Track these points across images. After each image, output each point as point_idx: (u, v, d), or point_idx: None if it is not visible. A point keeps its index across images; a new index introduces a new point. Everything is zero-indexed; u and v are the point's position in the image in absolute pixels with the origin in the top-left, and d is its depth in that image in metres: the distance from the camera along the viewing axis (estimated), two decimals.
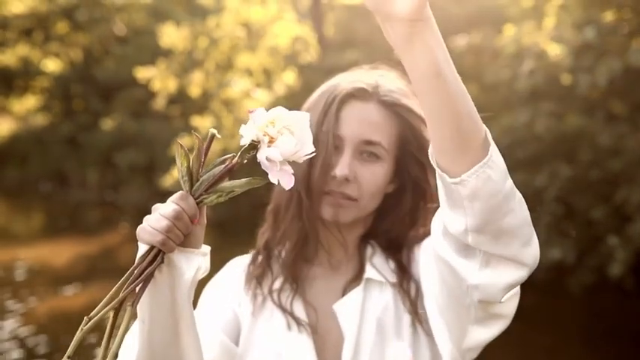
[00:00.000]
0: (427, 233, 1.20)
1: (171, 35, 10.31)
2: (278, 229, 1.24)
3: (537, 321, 6.40)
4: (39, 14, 16.20)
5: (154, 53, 12.70)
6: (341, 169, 1.15)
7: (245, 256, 1.31)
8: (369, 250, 1.23)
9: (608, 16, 6.28)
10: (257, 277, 1.23)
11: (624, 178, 6.05)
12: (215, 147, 9.72)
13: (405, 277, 1.19)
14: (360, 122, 1.17)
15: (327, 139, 1.15)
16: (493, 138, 0.95)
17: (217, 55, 10.00)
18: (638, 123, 6.60)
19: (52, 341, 5.77)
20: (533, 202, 6.74)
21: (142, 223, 0.93)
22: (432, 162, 0.93)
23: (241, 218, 8.99)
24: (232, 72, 9.96)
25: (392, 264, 1.21)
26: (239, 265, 1.30)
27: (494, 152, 0.92)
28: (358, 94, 1.20)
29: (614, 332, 5.95)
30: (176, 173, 9.01)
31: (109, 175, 14.68)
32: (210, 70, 10.12)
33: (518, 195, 0.95)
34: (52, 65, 16.72)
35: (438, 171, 0.92)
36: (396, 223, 1.24)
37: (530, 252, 0.95)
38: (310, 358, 1.14)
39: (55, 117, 16.67)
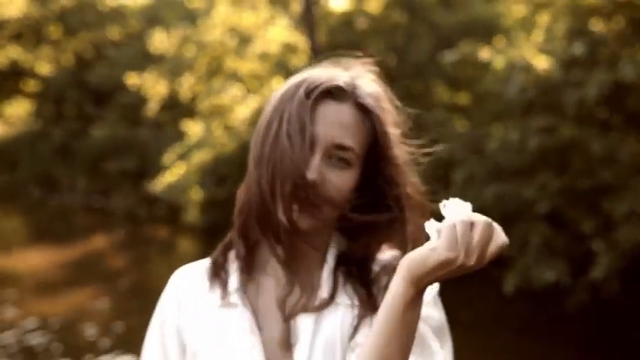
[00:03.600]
0: (395, 258, 1.13)
1: (161, 41, 10.27)
2: (238, 232, 1.17)
3: (532, 332, 6.35)
4: (31, 18, 16.15)
5: (147, 58, 12.66)
6: (310, 172, 1.06)
7: (185, 268, 1.22)
8: (327, 266, 1.14)
9: (598, 26, 6.27)
10: (215, 277, 1.17)
11: (614, 187, 6.03)
12: (206, 154, 9.66)
13: (361, 301, 1.12)
14: (334, 124, 1.08)
15: (299, 138, 1.06)
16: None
17: (206, 61, 9.96)
18: (629, 132, 6.59)
19: (39, 344, 5.70)
20: (522, 215, 6.70)
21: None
22: None
23: (232, 224, 8.91)
24: (222, 77, 9.92)
25: (351, 284, 1.13)
26: (184, 277, 1.21)
27: None
28: (335, 93, 1.10)
29: (608, 345, 5.91)
30: (165, 178, 8.91)
31: (98, 181, 14.60)
32: (200, 74, 10.08)
33: None
34: (43, 69, 16.66)
35: None
36: (360, 237, 1.15)
37: None
38: None
39: (46, 122, 16.59)
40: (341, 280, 1.13)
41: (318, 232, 1.12)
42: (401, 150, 1.14)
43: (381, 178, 1.12)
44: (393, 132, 1.13)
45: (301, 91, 1.09)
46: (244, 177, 1.14)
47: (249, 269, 1.16)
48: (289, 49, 9.47)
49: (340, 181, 1.08)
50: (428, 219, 1.07)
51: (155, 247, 10.87)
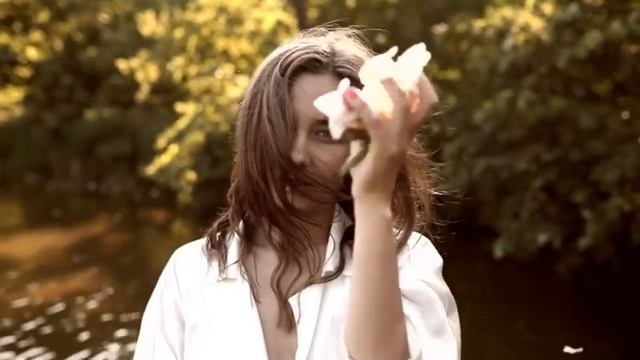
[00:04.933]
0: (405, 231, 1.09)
1: (151, 23, 10.22)
2: (235, 213, 1.13)
3: (523, 300, 6.44)
4: (18, 2, 16.00)
5: (139, 41, 12.60)
6: (296, 153, 1.02)
7: (185, 246, 1.19)
8: (332, 241, 1.10)
9: None
10: (213, 252, 1.13)
11: (604, 157, 6.07)
12: (199, 136, 9.67)
13: None
14: (314, 98, 0.96)
15: (281, 120, 1.02)
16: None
17: (196, 42, 9.91)
18: (618, 103, 6.63)
19: (34, 332, 5.74)
20: (517, 186, 6.77)
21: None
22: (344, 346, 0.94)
23: (226, 205, 8.94)
24: (212, 58, 9.88)
25: None
26: (183, 254, 1.18)
27: None
28: (310, 67, 1.04)
29: (598, 312, 6.00)
30: (159, 161, 8.89)
31: (92, 166, 14.59)
32: (191, 55, 10.04)
33: None
34: (34, 54, 16.54)
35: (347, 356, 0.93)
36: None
37: None
38: (259, 349, 1.06)
39: (38, 108, 16.51)
40: (348, 253, 1.09)
41: (318, 209, 1.07)
42: None
43: None
44: None
45: (277, 69, 1.04)
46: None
47: (248, 244, 1.13)
48: (279, 27, 9.44)
49: (330, 156, 1.03)
50: (428, 183, 1.08)
51: (151, 230, 10.91)
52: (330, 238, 1.10)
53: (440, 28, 7.56)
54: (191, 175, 9.83)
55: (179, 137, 9.73)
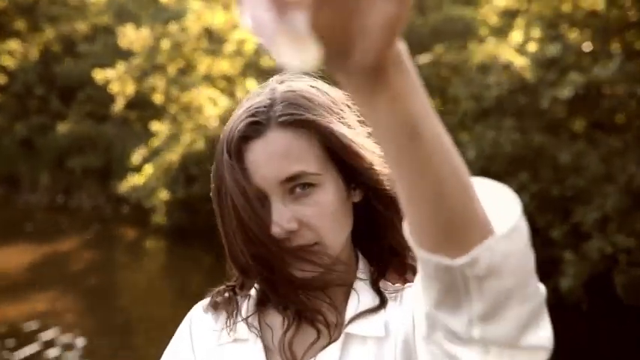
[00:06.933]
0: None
1: (130, 36, 10.08)
2: (241, 274, 1.04)
3: None
4: None
5: (117, 54, 12.42)
6: (276, 224, 0.94)
7: (204, 300, 1.13)
8: (355, 298, 1.00)
9: (572, 34, 6.34)
10: (222, 308, 1.07)
11: (583, 196, 6.09)
12: (174, 155, 9.51)
13: (391, 328, 0.98)
14: (269, 162, 0.94)
15: (246, 204, 0.95)
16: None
17: (179, 59, 9.80)
18: (596, 141, 6.67)
19: (4, 346, 5.53)
20: None
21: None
22: (410, 243, 0.69)
23: (199, 224, 8.79)
24: (193, 77, 9.78)
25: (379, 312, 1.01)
26: (199, 310, 1.12)
27: (518, 221, 0.68)
28: (251, 133, 0.96)
29: (566, 350, 5.95)
30: (132, 180, 8.77)
31: (62, 179, 14.30)
32: (172, 74, 9.92)
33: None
34: (9, 62, 16.25)
35: (422, 254, 0.68)
36: (377, 238, 1.03)
37: (544, 334, 0.75)
38: None
39: (9, 117, 16.19)
40: (369, 314, 1.00)
41: (332, 269, 0.97)
42: (354, 132, 0.99)
43: (354, 172, 0.98)
44: (338, 122, 0.98)
45: (225, 153, 0.97)
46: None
47: (261, 302, 1.06)
48: (262, 47, 9.37)
49: (315, 205, 0.95)
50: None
51: (122, 248, 10.67)
52: (353, 294, 1.01)
53: (424, 58, 7.57)
54: (164, 195, 9.66)
55: (154, 155, 9.56)
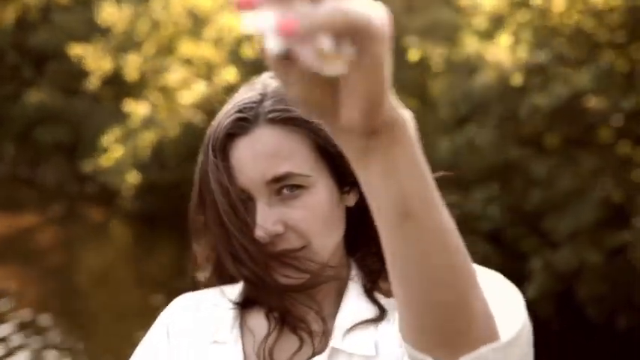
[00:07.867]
0: None
1: (111, 13, 9.86)
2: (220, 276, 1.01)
3: None
4: None
5: (94, 27, 12.15)
6: (260, 227, 0.88)
7: (188, 294, 1.06)
8: (346, 308, 0.95)
9: (558, 45, 6.35)
10: (208, 310, 1.01)
11: (555, 209, 6.12)
12: (148, 137, 9.32)
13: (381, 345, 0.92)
14: (254, 161, 0.89)
15: (229, 208, 0.89)
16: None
17: (158, 39, 9.60)
18: (570, 156, 6.70)
19: None
20: (464, 229, 6.71)
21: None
22: (402, 341, 0.68)
23: (168, 209, 8.64)
24: (172, 59, 9.59)
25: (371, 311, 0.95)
26: (180, 305, 1.05)
27: (521, 330, 0.69)
28: (238, 130, 0.90)
29: None
30: (103, 160, 8.62)
31: (27, 151, 13.97)
32: (149, 54, 9.71)
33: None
34: None
35: (410, 352, 0.66)
36: (371, 244, 0.96)
37: None
38: None
39: None
40: (359, 330, 0.93)
41: (319, 276, 0.92)
42: None
43: (347, 175, 0.92)
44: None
45: (210, 150, 0.92)
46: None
47: (245, 304, 0.99)
48: (245, 36, 9.23)
49: (304, 208, 0.89)
50: None
51: (86, 228, 10.43)
52: (344, 303, 0.95)
53: (411, 56, 7.53)
54: (134, 177, 9.46)
55: (127, 136, 9.37)
